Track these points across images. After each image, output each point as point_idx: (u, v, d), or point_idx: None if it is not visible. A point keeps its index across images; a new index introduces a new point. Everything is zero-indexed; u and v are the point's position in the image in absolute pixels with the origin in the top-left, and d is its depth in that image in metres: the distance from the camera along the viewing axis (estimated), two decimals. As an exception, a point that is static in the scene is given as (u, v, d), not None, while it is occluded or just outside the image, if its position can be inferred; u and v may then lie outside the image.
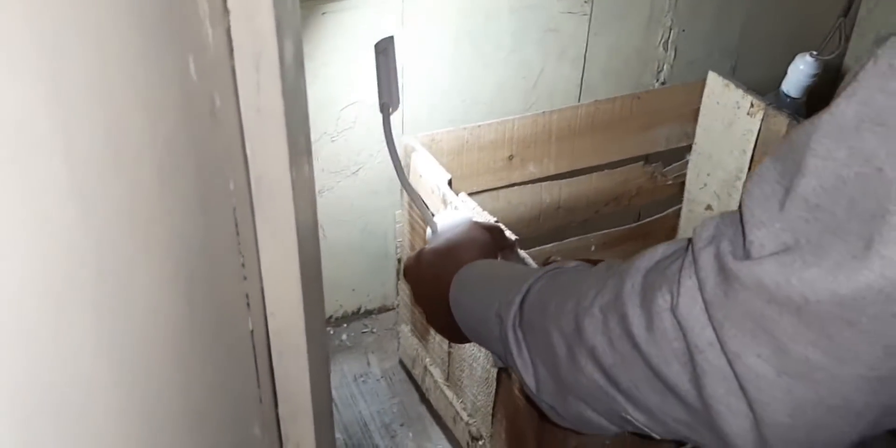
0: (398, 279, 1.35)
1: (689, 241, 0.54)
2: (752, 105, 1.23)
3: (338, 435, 1.22)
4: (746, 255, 0.46)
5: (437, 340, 1.19)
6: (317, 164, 1.19)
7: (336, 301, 1.36)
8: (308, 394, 0.61)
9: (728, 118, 1.28)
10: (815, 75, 1.24)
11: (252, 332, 0.53)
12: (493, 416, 1.08)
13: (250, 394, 0.55)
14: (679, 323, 0.49)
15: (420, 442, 1.22)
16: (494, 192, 1.26)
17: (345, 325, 1.38)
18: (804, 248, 0.44)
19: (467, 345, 1.06)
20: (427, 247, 0.88)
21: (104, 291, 0.33)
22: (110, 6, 0.32)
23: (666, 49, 1.34)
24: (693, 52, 1.37)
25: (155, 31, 0.36)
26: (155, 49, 0.36)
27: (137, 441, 0.38)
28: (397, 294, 1.32)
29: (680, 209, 1.43)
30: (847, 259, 0.41)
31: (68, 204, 0.30)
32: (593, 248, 1.40)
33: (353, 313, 1.38)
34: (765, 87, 1.26)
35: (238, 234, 0.49)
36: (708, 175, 1.35)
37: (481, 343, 0.75)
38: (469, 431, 1.15)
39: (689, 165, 1.38)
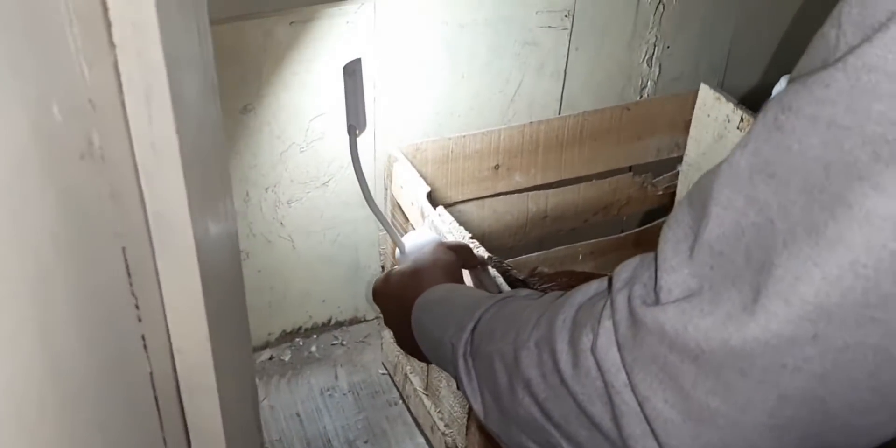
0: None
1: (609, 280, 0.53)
2: (741, 119, 1.21)
3: (300, 450, 1.20)
4: (656, 300, 0.46)
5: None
6: (285, 175, 1.17)
7: (306, 312, 1.34)
8: (221, 432, 0.59)
9: (718, 131, 1.26)
10: None
11: (151, 373, 0.51)
12: (467, 428, 1.07)
13: (150, 437, 0.53)
14: (597, 363, 0.49)
15: (383, 460, 1.20)
16: (480, 201, 1.25)
17: (314, 336, 1.36)
18: (704, 295, 0.44)
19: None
20: (395, 268, 0.88)
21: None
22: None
23: (650, 65, 1.31)
24: (678, 68, 1.34)
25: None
26: None
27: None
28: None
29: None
30: (738, 310, 0.42)
31: None
32: (581, 257, 1.38)
33: (324, 324, 1.36)
34: (752, 105, 1.23)
35: (129, 275, 0.46)
36: None
37: (440, 366, 0.75)
38: (445, 442, 1.14)
39: (680, 177, 1.36)
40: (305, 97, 1.11)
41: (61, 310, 0.40)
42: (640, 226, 1.43)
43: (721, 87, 1.39)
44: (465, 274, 0.95)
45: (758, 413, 0.43)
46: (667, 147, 1.33)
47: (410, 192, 1.08)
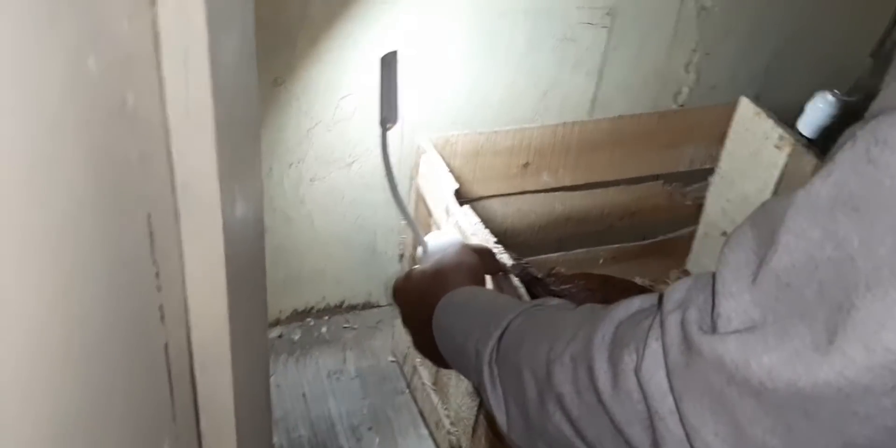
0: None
1: (660, 299, 0.51)
2: (780, 138, 1.18)
3: (303, 431, 1.19)
4: (713, 328, 0.44)
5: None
6: (310, 152, 1.16)
7: (319, 292, 1.32)
8: (232, 408, 0.57)
9: (755, 147, 1.23)
10: (834, 116, 1.17)
11: (167, 345, 0.49)
12: (473, 430, 1.05)
13: (160, 411, 0.51)
14: (641, 385, 0.47)
15: None
16: (505, 198, 1.23)
17: (326, 317, 1.34)
18: (769, 328, 0.41)
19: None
20: (416, 267, 0.86)
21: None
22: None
23: (688, 71, 1.29)
24: (716, 76, 1.31)
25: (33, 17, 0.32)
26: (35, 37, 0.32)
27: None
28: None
29: (695, 231, 1.38)
30: (808, 350, 0.40)
31: None
32: (601, 261, 1.37)
33: (336, 306, 1.35)
34: (788, 121, 1.21)
35: (153, 242, 0.45)
36: (727, 201, 1.30)
37: (460, 371, 0.73)
38: (450, 441, 1.12)
39: (710, 189, 1.33)
40: (337, 75, 1.09)
41: (83, 271, 0.38)
42: (663, 234, 1.40)
43: (757, 99, 1.36)
44: (487, 278, 0.93)
45: None
46: (700, 158, 1.31)
47: (437, 187, 1.06)
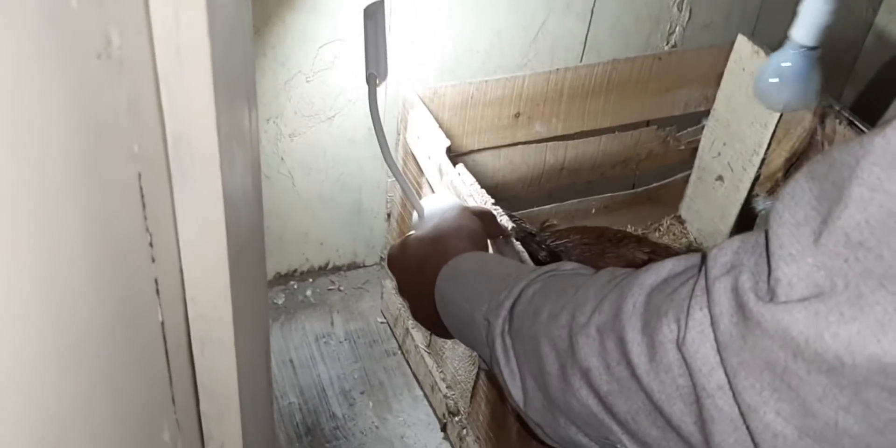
0: (384, 248, 1.27)
1: (702, 260, 0.46)
2: (781, 77, 1.12)
3: (293, 399, 1.14)
4: (771, 295, 0.39)
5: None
6: (289, 106, 1.09)
7: (302, 254, 1.26)
8: (235, 388, 0.52)
9: (752, 87, 1.17)
10: (834, 12, 0.98)
11: (163, 323, 0.43)
12: (472, 394, 1.01)
13: (159, 394, 0.45)
14: (685, 359, 0.43)
15: (380, 413, 1.14)
16: (496, 151, 1.17)
17: (310, 280, 1.28)
18: (841, 295, 0.37)
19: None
20: (412, 234, 0.80)
21: None
22: None
23: (680, 9, 1.23)
24: (708, 14, 1.25)
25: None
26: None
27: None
28: (385, 247, 1.23)
29: (689, 176, 1.34)
30: (894, 318, 0.36)
31: None
32: (594, 211, 1.32)
33: (321, 268, 1.29)
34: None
35: (144, 206, 0.39)
36: (724, 145, 1.25)
37: (467, 343, 0.67)
38: (447, 404, 1.08)
39: (705, 132, 1.28)
40: (315, 21, 1.02)
41: (69, 243, 0.32)
42: (656, 182, 1.35)
43: (753, 36, 1.31)
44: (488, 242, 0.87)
45: None
46: (695, 100, 1.25)
47: (428, 144, 0.99)
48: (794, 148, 1.14)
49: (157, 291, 0.42)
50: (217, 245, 0.44)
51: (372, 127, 0.84)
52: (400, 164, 1.07)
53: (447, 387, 1.08)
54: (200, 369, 0.50)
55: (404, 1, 1.05)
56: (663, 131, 1.29)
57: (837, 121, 1.07)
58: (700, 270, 0.46)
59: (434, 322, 0.70)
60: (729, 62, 1.20)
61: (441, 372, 1.10)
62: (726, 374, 0.42)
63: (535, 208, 1.26)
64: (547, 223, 1.30)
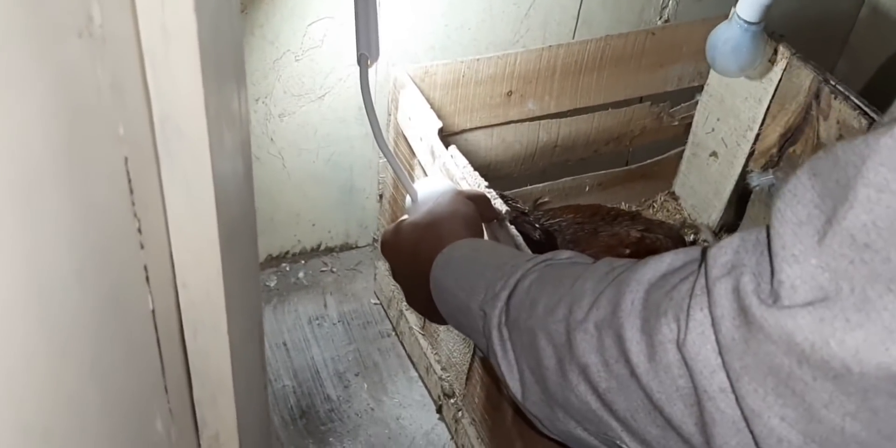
0: (377, 229, 1.25)
1: (703, 255, 0.45)
2: (775, 52, 1.11)
3: (287, 382, 1.13)
4: (774, 298, 0.38)
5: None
6: (278, 85, 1.07)
7: (294, 236, 1.25)
8: (229, 374, 0.51)
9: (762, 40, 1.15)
10: None
11: (153, 311, 0.42)
12: (467, 377, 1.00)
13: (151, 383, 0.44)
14: (685, 360, 0.42)
15: (375, 394, 1.13)
16: (489, 130, 1.15)
17: (302, 261, 1.27)
18: (847, 299, 0.36)
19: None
20: (406, 219, 0.78)
21: None
22: None
23: (674, -19, 1.21)
24: (703, -15, 1.24)
25: None
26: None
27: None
28: (378, 228, 1.22)
29: (682, 152, 1.33)
30: None
31: None
32: (587, 188, 1.31)
33: (313, 250, 1.28)
34: (782, 32, 1.14)
35: (132, 191, 0.37)
36: (718, 120, 1.24)
37: (462, 331, 0.66)
38: (442, 386, 1.07)
39: (699, 107, 1.27)
40: (304, -1, 1.00)
41: (52, 232, 0.31)
42: (650, 158, 1.34)
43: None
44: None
45: None
46: (688, 75, 1.24)
47: (419, 126, 0.98)
48: (788, 123, 1.13)
49: (147, 278, 0.41)
50: (207, 229, 0.43)
51: (363, 106, 0.82)
52: (391, 145, 1.06)
53: (442, 369, 1.08)
54: (193, 356, 0.48)
55: (394, -23, 1.03)
56: (657, 107, 1.27)
57: (833, 96, 1.06)
58: (700, 267, 0.45)
59: (429, 308, 0.69)
60: (723, 37, 1.18)
61: (436, 354, 1.09)
62: (728, 378, 0.41)
63: (529, 186, 1.25)
64: (540, 201, 1.29)
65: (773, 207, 0.40)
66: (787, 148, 1.15)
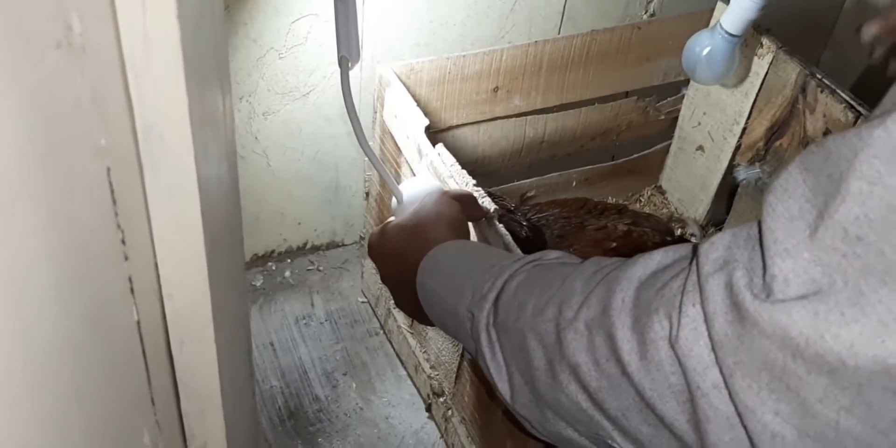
0: (365, 223, 1.24)
1: (693, 252, 0.45)
2: (761, 45, 1.11)
3: (274, 382, 1.12)
4: (767, 293, 0.38)
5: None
6: (262, 84, 1.06)
7: (280, 235, 1.24)
8: (217, 384, 0.50)
9: (739, 52, 1.15)
10: (762, 9, 1.02)
11: (139, 322, 0.41)
12: (457, 375, 0.99)
13: (137, 397, 0.43)
14: (678, 357, 0.42)
15: (364, 394, 1.12)
16: (475, 126, 1.14)
17: (288, 260, 1.26)
18: (841, 293, 0.36)
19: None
20: (392, 221, 0.78)
21: None
22: None
23: (659, -25, 1.21)
24: (689, -22, 1.23)
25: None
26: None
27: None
28: (364, 226, 1.21)
29: (669, 147, 1.32)
30: None
31: None
32: (574, 184, 1.31)
33: (299, 248, 1.27)
34: (767, 26, 1.13)
35: (115, 202, 0.36)
36: (704, 114, 1.23)
37: (450, 335, 0.66)
38: (431, 385, 1.07)
39: (685, 102, 1.27)
40: (287, -4, 0.99)
41: (31, 246, 0.30)
42: (637, 153, 1.34)
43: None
44: (470, 226, 0.85)
45: None
46: (675, 69, 1.23)
47: (406, 124, 0.97)
48: (775, 117, 1.13)
49: (132, 290, 0.40)
50: (193, 239, 0.42)
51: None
52: (377, 143, 1.05)
53: (431, 367, 1.07)
54: (180, 367, 0.48)
55: (378, -27, 1.02)
56: (643, 102, 1.27)
57: (819, 89, 1.05)
58: (691, 264, 0.44)
59: (416, 310, 0.69)
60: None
61: (424, 352, 1.09)
62: (722, 374, 0.41)
63: (516, 182, 1.24)
64: (526, 196, 1.28)
65: (763, 203, 0.40)
66: (774, 142, 1.15)
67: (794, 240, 0.38)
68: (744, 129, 1.17)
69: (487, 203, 0.86)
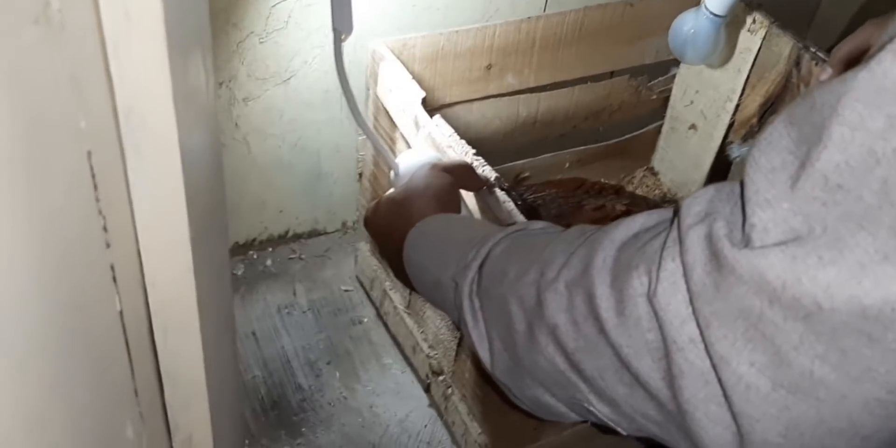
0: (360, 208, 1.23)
1: (675, 213, 0.45)
2: (754, 21, 1.10)
3: (257, 372, 1.11)
4: (746, 242, 0.38)
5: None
6: (242, 69, 1.04)
7: (261, 223, 1.22)
8: (202, 374, 0.49)
9: (725, 31, 1.15)
10: None
11: (121, 312, 0.40)
12: (456, 353, 1.00)
13: (120, 389, 0.42)
14: (655, 312, 0.42)
15: (348, 383, 1.11)
16: (468, 105, 1.14)
17: (270, 249, 1.25)
18: (820, 239, 0.36)
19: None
20: (386, 194, 0.78)
21: None
22: None
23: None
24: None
25: None
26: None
27: None
28: (357, 208, 1.20)
29: (661, 127, 1.32)
30: (875, 260, 0.35)
31: None
32: (567, 165, 1.31)
33: (280, 237, 1.25)
34: (767, 6, 1.12)
35: (96, 187, 0.35)
36: (696, 92, 1.23)
37: (437, 306, 0.66)
38: (430, 364, 1.07)
39: (676, 80, 1.26)
40: (267, -21, 0.97)
41: (8, 235, 0.29)
42: (629, 133, 1.33)
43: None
44: (469, 196, 0.85)
45: (876, 386, 0.37)
46: (666, 48, 1.22)
47: (401, 97, 0.96)
48: (768, 92, 1.12)
49: (114, 278, 0.38)
50: (177, 225, 0.41)
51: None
52: (371, 120, 1.04)
53: (429, 347, 1.07)
54: (164, 357, 0.46)
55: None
56: (635, 81, 1.27)
57: (814, 62, 1.05)
58: (672, 221, 0.44)
59: (411, 283, 0.70)
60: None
61: (422, 332, 1.09)
62: (698, 326, 0.40)
63: (509, 163, 1.24)
64: (520, 177, 1.27)
65: (748, 158, 0.40)
66: (768, 117, 1.14)
67: (775, 190, 0.38)
68: (737, 106, 1.17)
69: (487, 172, 0.85)
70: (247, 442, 1.04)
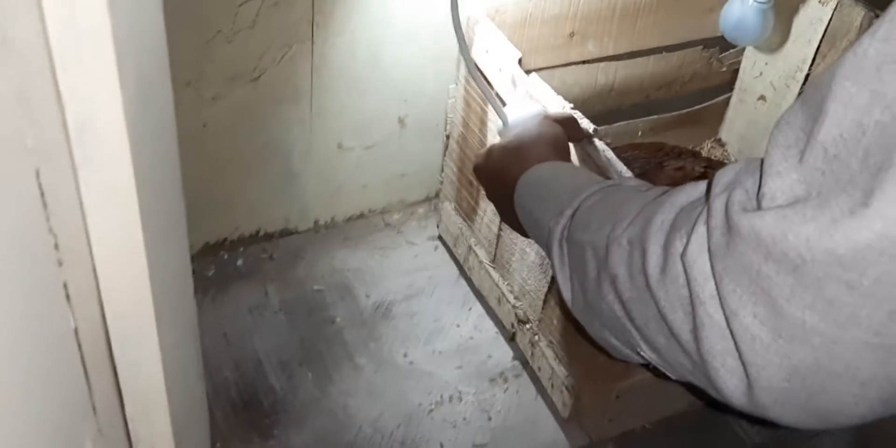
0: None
1: (709, 183, 0.49)
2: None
3: (227, 373, 1.10)
4: (756, 207, 0.43)
5: (484, 222, 1.15)
6: (210, 68, 1.03)
7: (231, 222, 1.21)
8: (162, 385, 0.48)
9: (796, 3, 1.18)
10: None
11: (76, 329, 0.39)
12: (544, 301, 1.04)
13: (77, 407, 0.41)
14: (685, 270, 0.46)
15: (320, 384, 1.10)
16: (551, 71, 1.18)
17: (241, 249, 1.24)
18: (811, 201, 0.40)
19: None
20: (496, 143, 0.86)
21: None
22: None
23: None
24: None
25: None
26: None
27: None
28: (442, 170, 1.24)
29: (728, 99, 1.35)
30: (844, 215, 0.38)
31: None
32: (640, 133, 1.34)
33: (251, 236, 1.24)
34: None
35: (45, 205, 0.34)
36: (766, 64, 1.25)
37: (540, 246, 0.73)
38: (516, 314, 1.11)
39: (746, 52, 1.29)
40: (234, -23, 0.96)
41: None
42: (698, 104, 1.36)
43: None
44: (571, 146, 0.90)
45: (861, 330, 0.39)
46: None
47: (498, 58, 1.01)
48: (839, 61, 1.14)
49: (67, 296, 0.38)
50: (132, 238, 0.40)
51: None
52: (462, 82, 1.08)
53: (515, 298, 1.11)
54: (122, 370, 0.46)
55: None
56: (707, 52, 1.29)
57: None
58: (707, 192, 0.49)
59: (515, 223, 0.77)
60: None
61: (508, 284, 1.13)
62: (716, 283, 0.44)
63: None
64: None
65: (770, 135, 0.43)
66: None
67: (787, 164, 0.41)
68: (807, 76, 1.19)
69: (586, 124, 0.91)
70: (218, 445, 1.03)
